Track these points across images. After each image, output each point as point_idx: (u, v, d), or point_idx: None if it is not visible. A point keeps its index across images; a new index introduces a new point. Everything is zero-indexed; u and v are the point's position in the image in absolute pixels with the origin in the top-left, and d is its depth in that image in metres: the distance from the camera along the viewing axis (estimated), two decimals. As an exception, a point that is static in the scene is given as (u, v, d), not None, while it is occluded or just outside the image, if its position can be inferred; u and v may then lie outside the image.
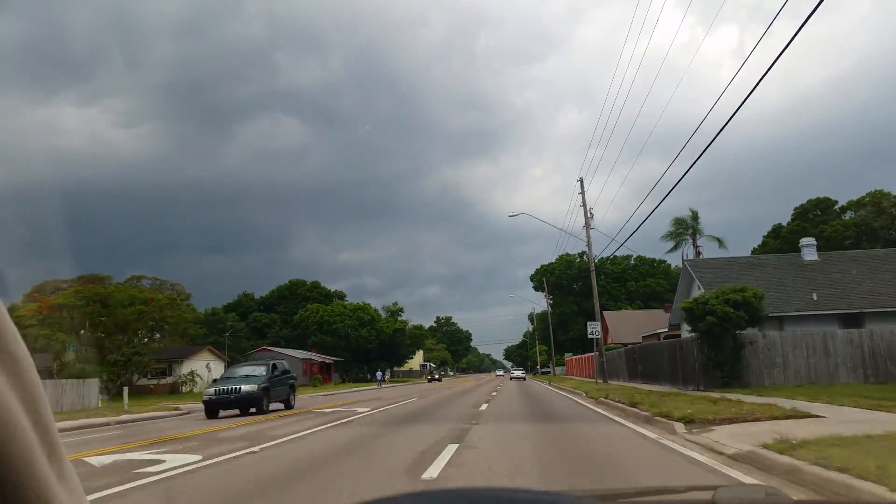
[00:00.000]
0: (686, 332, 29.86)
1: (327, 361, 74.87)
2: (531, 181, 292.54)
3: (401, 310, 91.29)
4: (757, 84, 11.02)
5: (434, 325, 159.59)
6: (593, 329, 29.57)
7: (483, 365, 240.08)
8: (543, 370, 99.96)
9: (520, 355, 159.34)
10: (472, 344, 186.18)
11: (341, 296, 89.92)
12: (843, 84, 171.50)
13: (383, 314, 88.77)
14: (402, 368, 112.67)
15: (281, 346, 75.98)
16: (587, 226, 35.52)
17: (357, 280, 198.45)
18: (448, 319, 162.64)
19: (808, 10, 8.56)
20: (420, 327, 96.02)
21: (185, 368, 50.03)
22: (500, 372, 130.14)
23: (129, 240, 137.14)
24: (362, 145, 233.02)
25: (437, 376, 72.90)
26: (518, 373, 71.91)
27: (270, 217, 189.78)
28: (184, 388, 49.28)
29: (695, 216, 48.45)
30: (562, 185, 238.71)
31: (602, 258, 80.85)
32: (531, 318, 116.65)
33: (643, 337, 46.25)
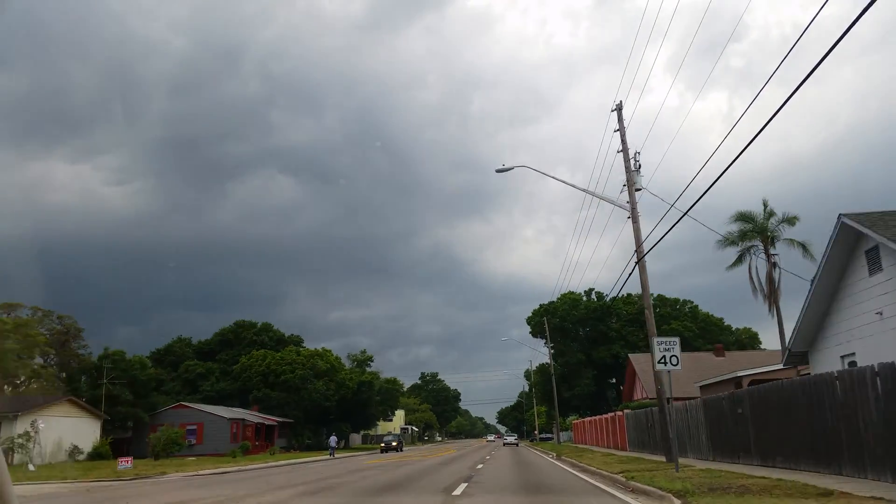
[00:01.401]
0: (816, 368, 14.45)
1: (268, 423, 58.30)
2: (523, 242, 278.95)
3: (370, 358, 74.60)
4: (745, 148, 10.60)
5: (419, 382, 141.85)
6: (667, 352, 14.23)
7: (476, 429, 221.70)
8: (543, 436, 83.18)
9: (514, 418, 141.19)
10: (463, 406, 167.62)
11: (297, 341, 73.49)
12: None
13: (348, 363, 72.34)
14: (379, 432, 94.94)
15: (212, 403, 59.73)
16: (629, 183, 20.75)
17: (348, 340, 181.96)
18: (434, 376, 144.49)
19: (791, 75, 8.54)
20: (394, 381, 78.73)
21: (22, 427, 33.92)
22: (492, 437, 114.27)
23: (114, 295, 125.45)
24: (356, 203, 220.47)
25: (393, 444, 55.08)
26: (511, 438, 74.60)
27: (261, 274, 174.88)
28: (15, 454, 33.07)
29: (782, 216, 33.13)
30: (553, 248, 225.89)
31: (614, 297, 65.81)
32: (528, 375, 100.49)
33: (701, 388, 30.81)
